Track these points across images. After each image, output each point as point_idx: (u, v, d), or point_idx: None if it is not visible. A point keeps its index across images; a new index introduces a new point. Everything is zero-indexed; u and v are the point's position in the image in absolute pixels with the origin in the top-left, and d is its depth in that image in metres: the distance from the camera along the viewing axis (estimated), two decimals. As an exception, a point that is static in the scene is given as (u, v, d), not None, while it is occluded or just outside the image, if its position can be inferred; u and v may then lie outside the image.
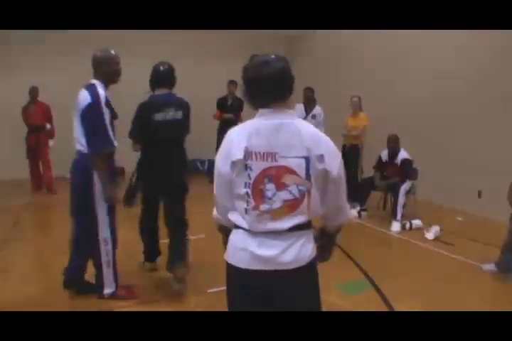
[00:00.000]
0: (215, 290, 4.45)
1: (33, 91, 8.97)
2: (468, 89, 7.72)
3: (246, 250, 2.24)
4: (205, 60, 11.22)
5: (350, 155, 8.27)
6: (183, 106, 4.76)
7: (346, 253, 5.74)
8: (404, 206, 7.03)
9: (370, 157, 7.80)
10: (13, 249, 5.86)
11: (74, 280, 4.45)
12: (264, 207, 2.19)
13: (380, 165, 7.45)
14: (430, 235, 6.43)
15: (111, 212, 4.21)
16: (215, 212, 2.48)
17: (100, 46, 4.30)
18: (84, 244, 4.30)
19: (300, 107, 8.74)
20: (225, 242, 2.45)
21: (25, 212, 7.71)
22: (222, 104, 10.02)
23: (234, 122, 9.83)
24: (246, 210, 2.23)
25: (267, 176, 2.17)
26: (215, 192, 2.38)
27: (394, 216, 6.99)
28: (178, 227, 4.79)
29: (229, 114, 9.76)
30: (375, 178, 7.46)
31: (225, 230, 2.47)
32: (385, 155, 7.37)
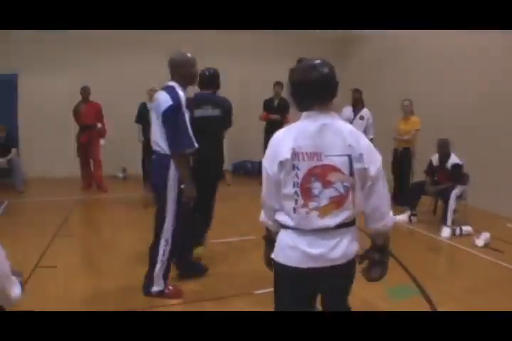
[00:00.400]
0: (261, 291, 4.47)
1: (84, 91, 9.09)
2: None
3: (296, 249, 2.35)
4: (252, 61, 11.27)
5: (403, 159, 8.27)
6: (221, 104, 5.08)
7: (395, 258, 5.68)
8: (454, 211, 6.90)
9: (422, 161, 7.67)
10: (62, 245, 5.89)
11: (181, 262, 4.77)
12: (312, 204, 2.30)
13: (430, 169, 7.34)
14: (480, 242, 6.29)
15: (179, 214, 4.29)
16: (262, 215, 2.59)
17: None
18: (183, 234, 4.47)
19: (348, 109, 8.73)
20: (267, 246, 2.67)
21: (76, 209, 7.85)
22: (268, 105, 10.03)
23: (280, 123, 9.84)
24: (294, 209, 2.33)
25: (313, 175, 2.28)
26: (263, 193, 2.49)
27: (444, 221, 6.87)
28: (205, 215, 5.09)
29: (275, 115, 9.76)
30: (426, 183, 7.35)
31: (269, 234, 2.62)
32: (435, 159, 7.25)
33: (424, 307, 4.40)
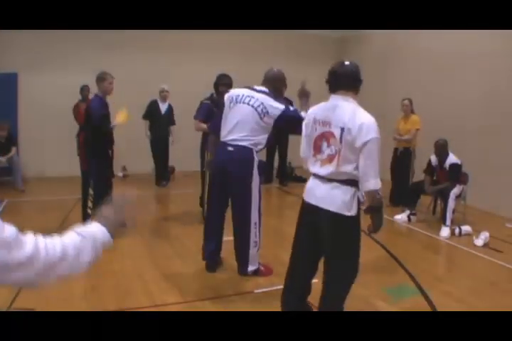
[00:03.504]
0: (261, 290, 4.49)
1: (84, 90, 9.08)
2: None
3: (310, 188, 3.36)
4: (252, 61, 11.19)
5: (403, 159, 8.27)
6: None
7: (394, 258, 5.68)
8: (453, 211, 6.91)
9: (422, 160, 7.65)
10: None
11: (216, 262, 5.14)
12: (318, 156, 3.30)
13: (429, 169, 7.34)
14: (479, 242, 6.30)
15: (261, 199, 4.80)
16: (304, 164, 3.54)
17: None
18: (237, 227, 4.87)
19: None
20: None
21: (76, 208, 7.80)
22: None
23: None
24: (310, 156, 3.37)
25: (323, 136, 3.25)
26: (301, 148, 3.49)
27: (443, 221, 6.87)
28: None
29: None
30: (425, 183, 7.35)
31: None
32: (434, 159, 7.25)
33: (423, 307, 4.41)
